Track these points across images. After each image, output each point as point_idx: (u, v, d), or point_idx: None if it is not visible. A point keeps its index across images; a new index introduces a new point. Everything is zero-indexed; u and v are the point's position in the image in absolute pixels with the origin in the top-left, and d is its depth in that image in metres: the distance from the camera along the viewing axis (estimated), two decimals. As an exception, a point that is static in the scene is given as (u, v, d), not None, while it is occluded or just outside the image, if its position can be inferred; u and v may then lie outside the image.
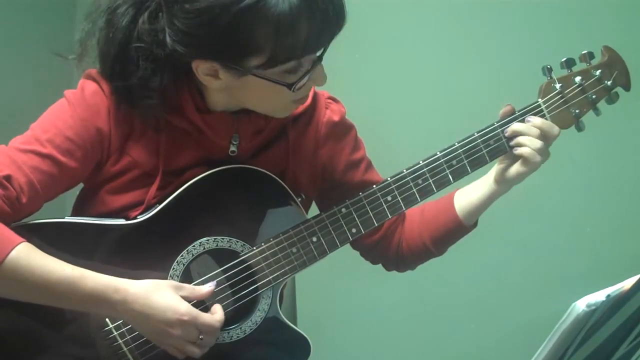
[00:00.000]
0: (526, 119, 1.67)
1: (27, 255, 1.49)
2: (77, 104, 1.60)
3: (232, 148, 1.66)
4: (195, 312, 1.56)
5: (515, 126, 1.67)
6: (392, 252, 1.84)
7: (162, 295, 1.54)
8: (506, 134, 1.68)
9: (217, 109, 1.64)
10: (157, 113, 1.60)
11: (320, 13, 1.47)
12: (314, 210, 1.75)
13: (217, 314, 1.60)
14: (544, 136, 1.66)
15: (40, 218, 1.60)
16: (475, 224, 1.78)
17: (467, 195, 1.75)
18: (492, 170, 1.73)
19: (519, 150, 1.66)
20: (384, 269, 1.89)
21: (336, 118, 1.74)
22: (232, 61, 1.51)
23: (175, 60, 1.54)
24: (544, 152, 1.66)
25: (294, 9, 1.45)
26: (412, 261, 1.85)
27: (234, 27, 1.46)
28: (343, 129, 1.76)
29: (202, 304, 1.63)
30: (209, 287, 1.62)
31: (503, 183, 1.70)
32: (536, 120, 1.67)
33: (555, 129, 1.67)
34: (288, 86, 1.54)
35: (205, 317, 1.57)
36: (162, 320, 1.54)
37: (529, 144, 1.65)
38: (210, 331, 1.58)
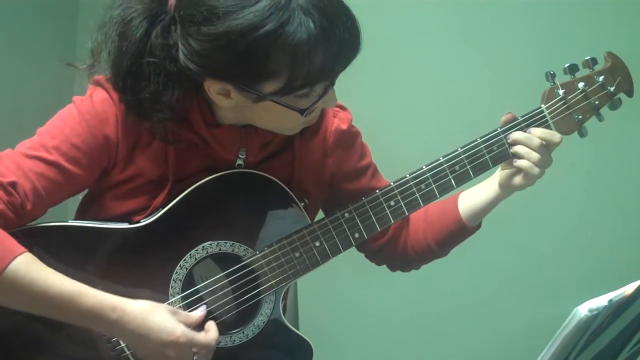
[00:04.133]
0: (527, 130, 1.67)
1: (28, 266, 1.48)
2: (86, 111, 1.59)
3: (239, 162, 1.66)
4: (191, 334, 1.56)
5: (517, 135, 1.67)
6: (397, 254, 1.84)
7: (158, 317, 1.54)
8: (509, 141, 1.68)
9: (225, 122, 1.64)
10: (166, 126, 1.60)
11: (337, 42, 1.47)
12: (319, 217, 1.75)
13: (211, 332, 1.60)
14: (546, 145, 1.66)
15: (43, 221, 1.60)
16: (479, 226, 1.78)
17: (470, 197, 1.75)
18: (496, 175, 1.73)
19: (517, 163, 1.66)
20: (389, 269, 1.90)
21: (344, 126, 1.74)
22: (246, 85, 1.51)
23: (187, 75, 1.53)
24: (542, 163, 1.66)
25: (312, 37, 1.45)
26: (417, 262, 1.86)
27: (250, 53, 1.46)
28: (351, 137, 1.76)
29: (200, 302, 1.64)
30: (201, 312, 1.62)
31: (506, 188, 1.70)
32: (537, 130, 1.67)
33: (557, 136, 1.67)
34: (300, 111, 1.54)
35: (200, 337, 1.57)
36: (157, 341, 1.54)
37: (526, 157, 1.65)
38: (205, 351, 1.58)
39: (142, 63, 1.54)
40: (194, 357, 1.56)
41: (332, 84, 1.56)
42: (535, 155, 1.65)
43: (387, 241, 1.82)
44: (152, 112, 1.56)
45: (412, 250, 1.83)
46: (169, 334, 1.54)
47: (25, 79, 3.02)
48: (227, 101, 1.55)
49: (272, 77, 1.48)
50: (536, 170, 1.65)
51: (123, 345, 1.60)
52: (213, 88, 1.54)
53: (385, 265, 1.89)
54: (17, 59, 3.02)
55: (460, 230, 1.77)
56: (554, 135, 1.67)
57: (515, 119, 1.69)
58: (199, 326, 1.61)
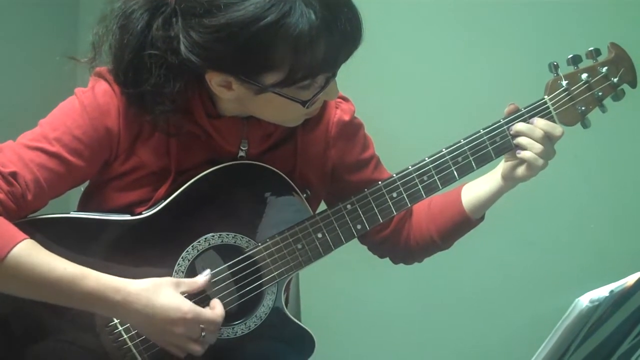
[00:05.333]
0: (530, 120, 1.67)
1: (29, 252, 1.49)
2: (88, 103, 1.59)
3: (241, 154, 1.66)
4: (198, 309, 1.56)
5: (519, 126, 1.67)
6: (400, 246, 1.84)
7: (164, 295, 1.54)
8: (511, 132, 1.68)
9: (227, 114, 1.64)
10: (167, 118, 1.59)
11: (339, 32, 1.47)
12: (321, 208, 1.75)
13: (216, 308, 1.60)
14: (548, 137, 1.66)
15: (46, 213, 1.60)
16: (482, 218, 1.78)
17: (474, 190, 1.75)
18: (499, 167, 1.73)
19: (521, 154, 1.66)
20: (391, 262, 1.89)
21: (347, 117, 1.74)
22: (248, 76, 1.51)
23: (188, 68, 1.53)
24: (546, 154, 1.66)
25: (313, 28, 1.45)
26: (420, 254, 1.86)
27: (251, 45, 1.46)
28: (353, 129, 1.76)
29: (204, 294, 1.63)
30: (205, 277, 1.62)
31: (510, 180, 1.70)
32: (540, 121, 1.66)
33: (558, 129, 1.67)
34: (302, 103, 1.54)
35: (207, 313, 1.57)
36: (165, 319, 1.54)
37: (529, 148, 1.65)
38: (212, 327, 1.58)
39: (143, 55, 1.54)
40: (202, 334, 1.57)
41: (334, 75, 1.55)
42: (538, 147, 1.65)
43: (390, 233, 1.82)
44: (153, 104, 1.56)
45: (415, 243, 1.83)
46: (176, 311, 1.54)
47: (27, 73, 3.03)
48: (228, 93, 1.55)
49: (273, 69, 1.48)
50: (539, 161, 1.65)
51: (125, 337, 1.61)
52: (214, 80, 1.54)
53: (388, 258, 1.89)
54: (19, 53, 3.02)
55: (463, 223, 1.77)
56: (556, 129, 1.66)
57: (518, 110, 1.69)
58: (205, 301, 1.62)
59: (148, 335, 1.59)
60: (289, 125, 1.66)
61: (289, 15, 1.44)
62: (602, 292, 1.14)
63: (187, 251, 1.64)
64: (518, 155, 1.66)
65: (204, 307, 1.59)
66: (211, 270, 1.65)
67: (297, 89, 1.52)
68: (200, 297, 1.63)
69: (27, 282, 1.49)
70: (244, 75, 1.51)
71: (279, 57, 1.47)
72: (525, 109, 1.69)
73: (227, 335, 1.66)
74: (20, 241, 1.48)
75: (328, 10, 1.46)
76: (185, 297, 1.57)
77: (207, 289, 1.64)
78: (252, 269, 1.66)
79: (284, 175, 1.66)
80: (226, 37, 1.46)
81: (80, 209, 1.71)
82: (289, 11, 1.44)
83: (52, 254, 1.51)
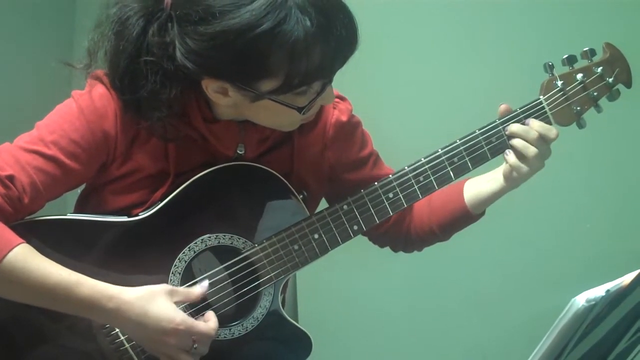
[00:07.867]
0: (525, 121, 1.67)
1: (25, 257, 1.49)
2: (85, 106, 1.59)
3: (237, 157, 1.67)
4: (191, 321, 1.56)
5: (514, 127, 1.67)
6: (401, 237, 1.85)
7: (157, 304, 1.54)
8: (507, 132, 1.68)
9: (223, 118, 1.64)
10: (164, 123, 1.59)
11: (335, 39, 1.47)
12: (320, 208, 1.75)
13: (210, 321, 1.60)
14: (542, 139, 1.66)
15: (42, 214, 1.60)
16: (483, 213, 1.78)
17: (476, 186, 1.75)
18: (501, 167, 1.73)
19: (516, 155, 1.66)
20: (391, 250, 1.90)
21: (344, 118, 1.74)
22: (244, 84, 1.51)
23: (184, 74, 1.53)
24: (541, 155, 1.66)
25: (309, 35, 1.45)
26: (419, 244, 1.87)
27: (247, 52, 1.46)
28: (350, 128, 1.76)
29: (203, 301, 1.63)
30: (201, 288, 1.62)
31: (509, 181, 1.70)
32: (534, 123, 1.67)
33: (553, 131, 1.67)
34: (298, 109, 1.54)
35: (200, 326, 1.57)
36: (157, 329, 1.54)
37: (524, 150, 1.65)
38: (204, 340, 1.58)
39: (139, 62, 1.54)
40: (194, 345, 1.57)
41: (330, 81, 1.55)
42: (533, 149, 1.65)
43: (391, 225, 1.83)
44: (150, 110, 1.56)
45: (415, 234, 1.84)
46: (169, 322, 1.54)
47: (23, 76, 3.02)
48: (225, 99, 1.55)
49: (269, 76, 1.48)
50: (535, 162, 1.65)
51: (122, 338, 1.61)
52: (211, 87, 1.54)
53: (388, 247, 1.90)
54: (15, 58, 3.02)
55: (464, 217, 1.77)
56: (551, 131, 1.66)
57: (510, 109, 1.69)
58: (199, 309, 1.62)
59: (140, 343, 1.59)
60: (285, 129, 1.66)
61: (285, 22, 1.44)
62: (598, 291, 1.14)
63: (184, 252, 1.64)
64: (515, 156, 1.67)
65: (198, 317, 1.60)
66: (208, 272, 1.65)
67: (293, 96, 1.53)
68: (197, 279, 1.64)
69: (22, 288, 1.50)
70: (240, 83, 1.51)
71: (275, 65, 1.47)
72: (520, 109, 1.69)
73: (224, 337, 1.66)
74: (15, 246, 1.48)
75: (323, 16, 1.46)
76: (183, 305, 1.58)
77: (208, 297, 1.64)
78: (249, 270, 1.66)
79: (280, 177, 1.66)
80: (222, 45, 1.46)
81: (77, 211, 1.71)
82: (284, 18, 1.44)
83: (47, 260, 1.51)
